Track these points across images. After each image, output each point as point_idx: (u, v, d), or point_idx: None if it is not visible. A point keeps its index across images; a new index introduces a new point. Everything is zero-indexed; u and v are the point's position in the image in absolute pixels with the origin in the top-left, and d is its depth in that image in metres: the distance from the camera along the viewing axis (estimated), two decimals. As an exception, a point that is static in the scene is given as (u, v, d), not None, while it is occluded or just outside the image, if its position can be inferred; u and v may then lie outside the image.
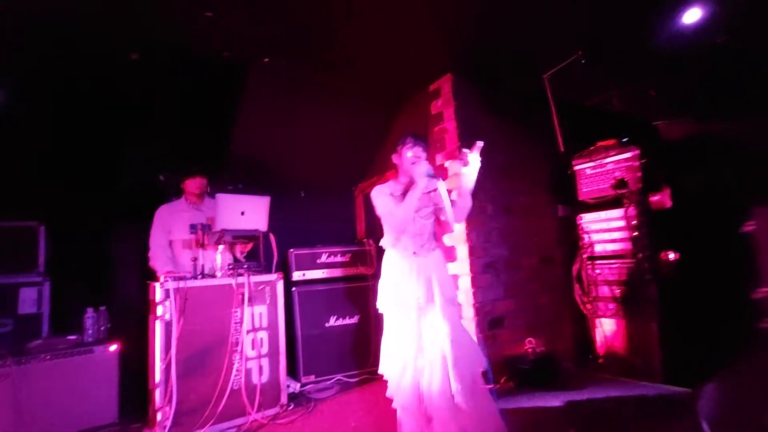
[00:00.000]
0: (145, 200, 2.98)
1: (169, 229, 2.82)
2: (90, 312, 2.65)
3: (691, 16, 2.50)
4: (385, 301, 2.07)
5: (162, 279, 2.35)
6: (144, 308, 2.53)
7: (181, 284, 2.36)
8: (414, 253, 2.08)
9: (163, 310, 2.30)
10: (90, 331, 2.62)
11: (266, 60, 2.73)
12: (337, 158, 3.89)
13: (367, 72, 3.06)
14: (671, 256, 3.05)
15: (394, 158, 2.16)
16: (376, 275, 3.50)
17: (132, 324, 2.68)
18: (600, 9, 2.47)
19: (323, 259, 3.39)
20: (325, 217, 4.07)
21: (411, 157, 2.06)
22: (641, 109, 3.95)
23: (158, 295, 2.31)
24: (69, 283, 2.88)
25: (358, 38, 2.64)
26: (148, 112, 3.09)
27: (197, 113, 3.17)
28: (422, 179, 1.94)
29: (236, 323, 2.52)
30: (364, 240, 3.59)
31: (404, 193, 2.05)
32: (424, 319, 2.00)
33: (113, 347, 2.59)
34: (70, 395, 2.42)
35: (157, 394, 2.25)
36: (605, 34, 2.73)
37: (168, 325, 2.31)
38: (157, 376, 2.26)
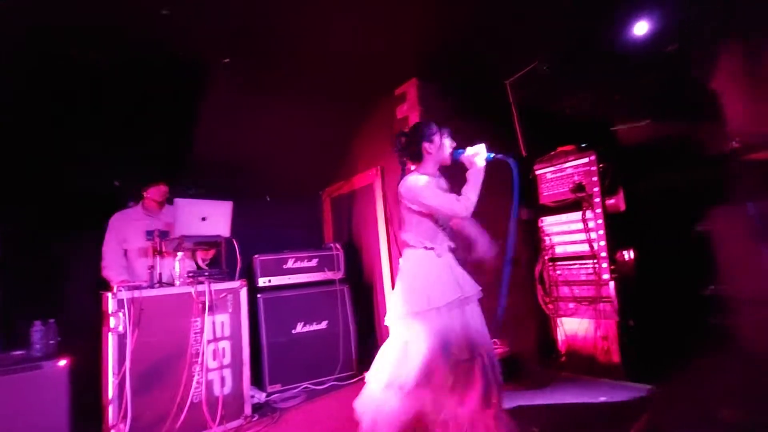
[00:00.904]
0: (98, 207, 2.85)
1: (124, 237, 2.71)
2: (38, 325, 2.48)
3: (640, 28, 2.62)
4: (422, 304, 1.83)
5: (115, 289, 2.25)
6: (96, 320, 2.41)
7: (137, 294, 2.26)
8: (449, 248, 1.96)
9: (116, 321, 2.20)
10: (38, 346, 2.45)
11: (227, 60, 2.67)
12: (303, 162, 3.84)
13: (333, 76, 3.04)
14: (627, 255, 3.18)
15: (427, 147, 1.96)
16: (345, 280, 3.51)
17: (84, 337, 2.54)
18: (558, 18, 2.56)
19: (290, 264, 3.33)
20: (292, 221, 4.02)
21: (451, 144, 1.99)
22: (600, 115, 4.10)
23: (111, 305, 2.20)
24: (15, 295, 2.71)
25: (324, 42, 2.62)
26: (103, 114, 2.96)
27: (155, 115, 3.05)
28: (482, 161, 1.89)
29: (196, 333, 2.44)
30: (332, 244, 3.56)
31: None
32: (466, 313, 1.87)
33: (63, 362, 2.44)
34: (17, 414, 2.26)
35: (110, 411, 2.14)
36: (564, 42, 2.83)
37: (122, 338, 2.20)
38: (110, 391, 2.16)
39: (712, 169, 3.49)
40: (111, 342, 2.18)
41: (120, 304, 2.22)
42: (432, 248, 1.91)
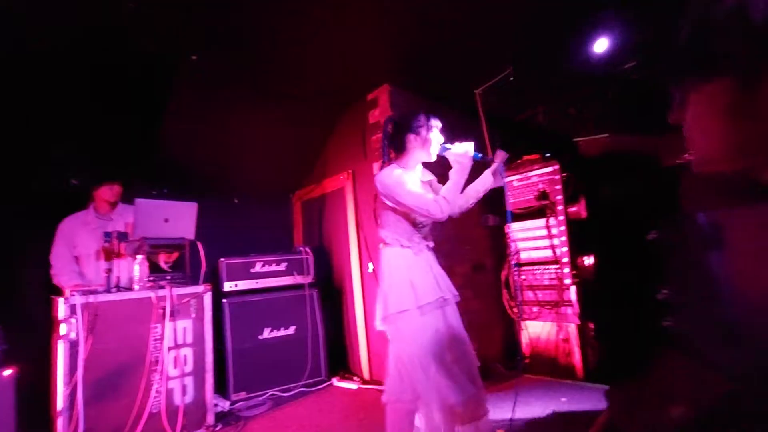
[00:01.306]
0: (53, 207, 2.69)
1: (74, 243, 2.58)
2: (-20, 333, 2.31)
3: (600, 45, 2.76)
4: (405, 303, 1.74)
5: (68, 293, 2.12)
6: (46, 327, 2.27)
7: (91, 299, 2.14)
8: (427, 246, 1.88)
9: (68, 328, 2.07)
10: (-21, 355, 2.28)
11: (194, 57, 2.59)
12: (273, 164, 3.78)
13: (305, 78, 3.02)
14: (588, 260, 3.31)
15: (412, 140, 1.87)
16: (314, 284, 3.47)
17: (33, 345, 2.38)
18: (524, 32, 2.66)
19: (257, 268, 3.26)
20: (261, 224, 3.94)
21: (439, 139, 1.89)
22: (564, 126, 4.29)
23: (62, 311, 2.07)
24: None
25: (296, 44, 2.59)
26: (60, 108, 2.79)
27: (116, 112, 2.91)
28: (468, 160, 1.80)
29: (156, 340, 2.33)
30: (301, 248, 3.51)
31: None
32: (446, 315, 1.81)
33: (8, 372, 2.28)
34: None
35: (60, 423, 2.01)
36: (528, 55, 2.93)
37: (74, 345, 2.08)
38: (60, 402, 2.02)
39: (667, 179, 3.72)
40: (61, 350, 2.05)
41: (72, 309, 2.10)
42: (408, 247, 1.83)
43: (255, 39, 2.53)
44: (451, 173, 1.83)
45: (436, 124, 1.91)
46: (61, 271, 2.51)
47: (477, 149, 1.86)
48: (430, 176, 2.02)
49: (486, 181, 1.97)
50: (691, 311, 2.90)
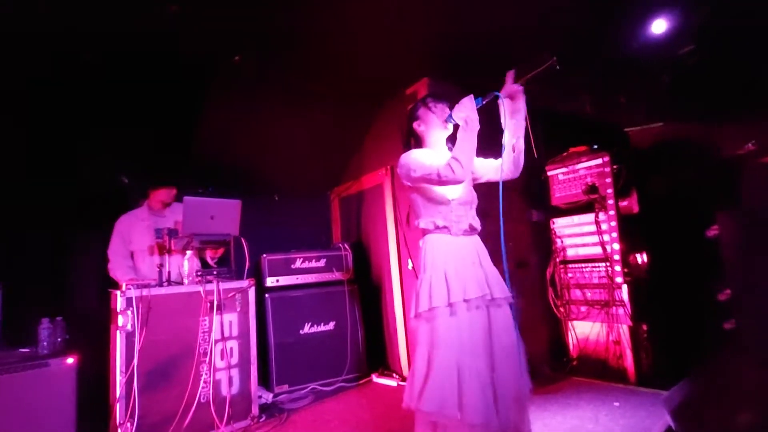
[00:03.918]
0: (107, 204, 2.85)
1: (130, 239, 2.71)
2: (45, 323, 2.47)
3: (658, 26, 2.57)
4: (436, 299, 1.61)
5: (124, 287, 2.23)
6: (104, 318, 2.40)
7: (145, 292, 2.24)
8: (470, 227, 1.77)
9: (125, 319, 2.18)
10: (45, 343, 2.44)
11: (237, 58, 2.65)
12: (312, 161, 3.82)
13: (344, 75, 3.02)
14: (641, 258, 3.12)
15: (417, 126, 1.87)
16: (353, 280, 3.48)
17: (91, 335, 2.53)
18: (572, 18, 2.52)
19: (298, 264, 3.31)
20: (300, 221, 4.00)
21: (441, 108, 1.82)
22: (613, 116, 4.06)
23: (120, 303, 2.18)
24: (23, 292, 2.69)
25: (335, 42, 2.60)
26: (111, 112, 2.94)
27: (164, 113, 3.03)
28: (470, 111, 1.68)
29: (204, 332, 2.41)
30: (340, 244, 3.53)
31: None
32: (491, 318, 1.67)
33: (70, 360, 2.43)
34: (24, 412, 2.24)
35: (118, 410, 2.12)
36: (577, 42, 2.78)
37: (130, 336, 2.19)
38: (118, 390, 2.13)
39: (727, 170, 3.44)
40: (119, 340, 2.17)
41: (129, 302, 2.20)
42: (445, 226, 1.72)
43: (293, 38, 2.55)
44: (459, 131, 1.72)
45: (433, 100, 1.85)
46: (117, 266, 2.66)
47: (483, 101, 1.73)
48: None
49: (463, 129, 1.70)
50: (757, 313, 2.66)
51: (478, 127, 1.70)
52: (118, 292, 2.21)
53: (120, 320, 2.17)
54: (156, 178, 2.82)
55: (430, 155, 1.79)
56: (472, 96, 1.74)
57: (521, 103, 1.77)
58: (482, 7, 2.40)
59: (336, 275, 3.40)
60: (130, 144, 3.08)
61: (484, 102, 1.74)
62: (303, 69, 2.91)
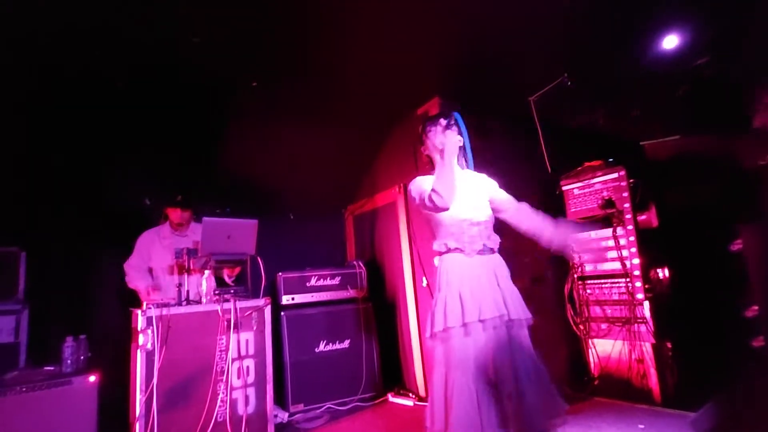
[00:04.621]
0: (128, 225, 2.94)
1: (149, 255, 2.78)
2: (69, 341, 2.54)
3: (670, 42, 2.57)
4: (453, 318, 1.61)
5: (144, 306, 2.28)
6: (124, 337, 2.45)
7: (165, 311, 2.29)
8: (485, 246, 1.76)
9: (145, 338, 2.22)
10: (69, 361, 2.51)
11: (254, 84, 2.75)
12: (326, 180, 3.89)
13: (357, 95, 3.09)
14: (662, 273, 3.05)
15: (424, 151, 1.92)
16: (368, 298, 3.48)
17: (113, 353, 2.59)
18: (583, 33, 2.54)
19: (312, 282, 3.33)
20: (315, 239, 4.04)
21: (434, 132, 1.84)
22: (627, 129, 4.02)
23: (140, 323, 2.23)
24: (48, 311, 2.79)
25: (348, 61, 2.67)
26: (133, 134, 3.07)
27: (183, 136, 3.16)
28: (448, 138, 1.73)
29: (221, 351, 2.44)
30: (354, 262, 3.55)
31: None
32: (510, 338, 1.64)
33: (92, 378, 2.48)
34: (47, 428, 2.30)
35: (137, 428, 2.15)
36: (589, 58, 2.80)
37: (150, 355, 2.22)
38: (138, 408, 2.16)
39: (747, 183, 3.36)
40: (139, 359, 2.20)
41: (149, 321, 2.25)
42: (458, 248, 1.73)
43: (308, 64, 2.64)
44: (437, 161, 1.80)
45: (430, 124, 1.88)
46: (132, 276, 2.73)
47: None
48: (483, 180, 1.95)
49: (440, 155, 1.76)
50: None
51: (454, 153, 1.74)
52: (139, 312, 2.26)
53: (141, 339, 2.21)
54: (168, 198, 2.87)
55: (430, 183, 1.78)
56: (448, 118, 1.81)
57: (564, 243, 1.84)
58: (494, 31, 2.45)
59: (350, 293, 3.41)
60: (153, 167, 3.19)
61: (451, 125, 1.81)
62: (317, 91, 3.00)
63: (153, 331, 2.24)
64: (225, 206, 3.08)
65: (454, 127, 1.82)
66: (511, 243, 3.24)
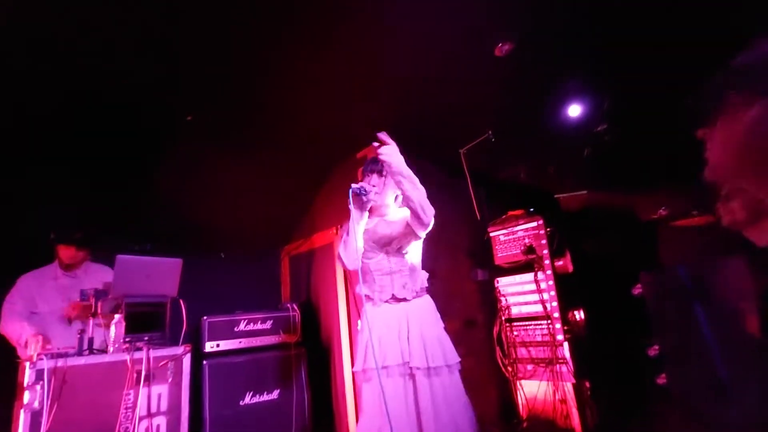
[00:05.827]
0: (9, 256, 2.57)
1: (34, 301, 2.43)
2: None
3: (573, 111, 2.98)
4: (361, 365, 1.70)
5: (35, 357, 1.98)
6: (8, 394, 2.09)
7: (60, 363, 2.00)
8: (393, 297, 1.80)
9: (32, 396, 1.91)
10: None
11: (189, 118, 2.68)
12: (262, 219, 3.78)
13: (295, 136, 3.12)
14: (578, 315, 3.29)
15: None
16: (301, 343, 3.32)
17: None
18: (503, 97, 2.86)
19: (242, 326, 3.12)
20: (249, 280, 3.85)
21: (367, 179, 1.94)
22: (545, 183, 4.47)
23: (27, 377, 1.92)
24: None
25: (288, 105, 2.72)
26: (43, 161, 2.75)
27: (100, 166, 2.88)
28: (352, 204, 1.75)
29: (127, 408, 2.16)
30: (288, 305, 3.41)
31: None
32: (416, 389, 1.65)
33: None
34: None
35: None
36: (509, 119, 3.13)
37: (36, 416, 1.90)
38: (13, 483, 1.81)
39: (646, 233, 3.84)
40: (22, 421, 1.88)
41: (39, 374, 1.95)
42: (367, 296, 1.82)
43: (245, 97, 2.64)
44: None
45: (365, 172, 2.04)
46: (9, 319, 2.35)
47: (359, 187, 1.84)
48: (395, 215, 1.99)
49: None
50: (683, 367, 2.86)
51: (357, 217, 1.78)
52: (27, 363, 1.95)
53: (26, 397, 1.90)
54: (64, 234, 2.54)
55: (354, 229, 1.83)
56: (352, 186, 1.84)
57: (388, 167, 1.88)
58: (431, 88, 2.68)
59: (283, 338, 3.24)
60: (57, 190, 2.82)
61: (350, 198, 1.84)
62: (255, 127, 2.98)
63: (43, 387, 1.93)
64: (146, 242, 2.85)
65: (373, 169, 1.94)
66: (443, 286, 3.35)
